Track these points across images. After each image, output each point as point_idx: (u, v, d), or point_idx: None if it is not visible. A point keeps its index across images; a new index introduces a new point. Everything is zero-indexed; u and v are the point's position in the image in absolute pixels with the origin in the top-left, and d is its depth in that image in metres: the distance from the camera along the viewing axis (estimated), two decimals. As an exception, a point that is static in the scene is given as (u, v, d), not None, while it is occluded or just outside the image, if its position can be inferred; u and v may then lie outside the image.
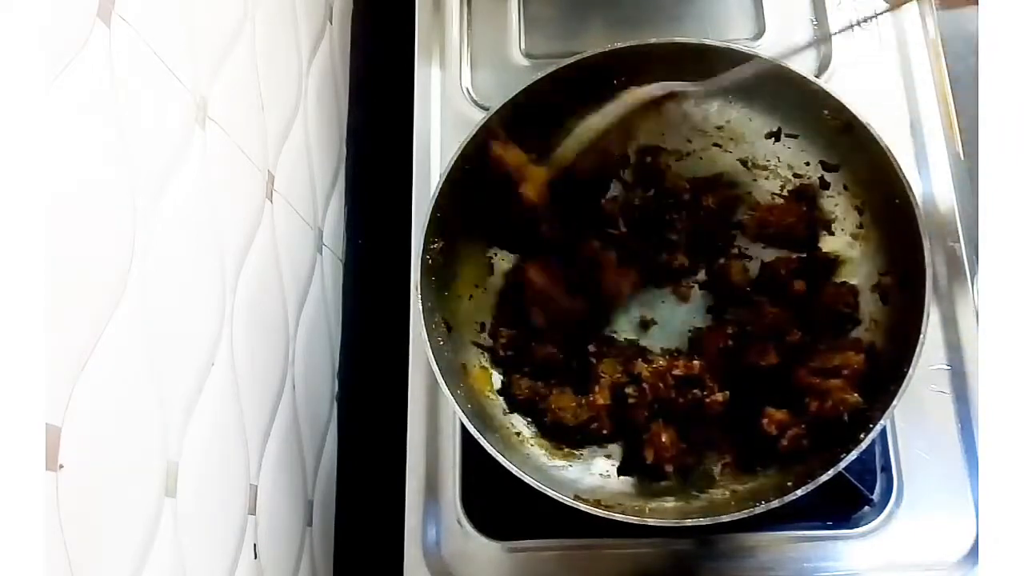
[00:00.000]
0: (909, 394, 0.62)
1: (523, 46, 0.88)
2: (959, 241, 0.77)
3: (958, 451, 0.72)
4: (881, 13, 0.83)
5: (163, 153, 0.53)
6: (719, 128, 0.78)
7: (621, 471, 0.71)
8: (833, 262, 0.74)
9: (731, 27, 0.87)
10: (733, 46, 0.73)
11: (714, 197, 0.77)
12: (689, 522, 0.63)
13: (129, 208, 0.48)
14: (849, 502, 0.71)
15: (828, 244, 0.76)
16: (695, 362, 0.70)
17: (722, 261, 0.76)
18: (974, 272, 0.76)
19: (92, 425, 0.43)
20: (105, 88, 0.46)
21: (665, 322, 0.76)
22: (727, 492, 0.68)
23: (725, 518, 0.61)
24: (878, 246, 0.73)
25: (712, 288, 0.76)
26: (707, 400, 0.69)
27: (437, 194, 0.70)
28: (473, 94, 0.86)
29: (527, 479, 0.62)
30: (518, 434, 0.72)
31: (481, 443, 0.63)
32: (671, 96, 0.70)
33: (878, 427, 0.61)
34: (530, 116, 0.73)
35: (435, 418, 0.75)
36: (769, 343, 0.71)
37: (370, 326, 0.89)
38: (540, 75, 0.72)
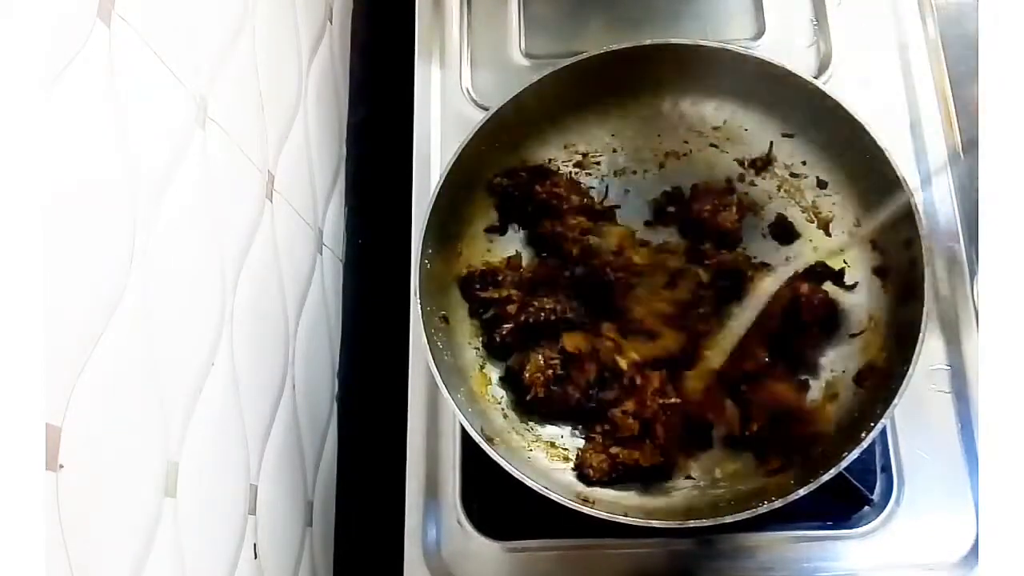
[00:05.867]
0: (909, 394, 0.62)
1: (523, 46, 0.88)
2: (959, 241, 0.77)
3: (958, 451, 0.72)
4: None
5: (163, 153, 0.53)
6: (716, 128, 0.78)
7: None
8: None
9: (731, 27, 0.87)
10: (732, 46, 0.73)
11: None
12: (691, 523, 0.62)
13: (129, 208, 0.48)
14: (849, 502, 0.71)
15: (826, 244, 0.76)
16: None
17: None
18: (974, 272, 0.76)
19: (92, 425, 0.43)
20: (105, 88, 0.46)
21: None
22: (728, 492, 0.68)
23: (727, 519, 0.61)
24: (877, 246, 0.73)
25: None
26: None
27: (437, 195, 0.70)
28: (473, 94, 0.85)
29: (528, 482, 0.62)
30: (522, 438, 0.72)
31: (481, 446, 0.63)
32: None
33: (878, 427, 0.61)
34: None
35: (435, 418, 0.75)
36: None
37: (370, 326, 0.89)
38: (540, 75, 0.72)
